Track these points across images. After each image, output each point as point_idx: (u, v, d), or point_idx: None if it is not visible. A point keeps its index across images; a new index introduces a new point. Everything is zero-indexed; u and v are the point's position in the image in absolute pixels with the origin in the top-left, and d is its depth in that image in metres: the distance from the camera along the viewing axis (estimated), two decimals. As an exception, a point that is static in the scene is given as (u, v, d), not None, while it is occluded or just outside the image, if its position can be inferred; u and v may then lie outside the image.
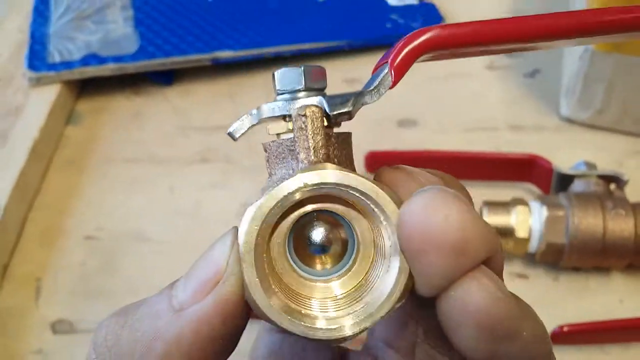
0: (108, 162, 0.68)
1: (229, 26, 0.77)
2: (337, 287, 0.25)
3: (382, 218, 0.23)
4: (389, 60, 0.24)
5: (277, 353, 0.31)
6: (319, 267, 0.26)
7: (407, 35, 0.24)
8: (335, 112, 0.25)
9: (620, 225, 0.50)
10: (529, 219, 0.53)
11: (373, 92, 0.25)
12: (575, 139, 0.66)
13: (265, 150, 0.27)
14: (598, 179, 0.54)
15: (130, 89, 0.76)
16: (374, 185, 0.23)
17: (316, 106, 0.25)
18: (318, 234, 0.25)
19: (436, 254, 0.21)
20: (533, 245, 0.53)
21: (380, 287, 0.24)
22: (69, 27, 0.77)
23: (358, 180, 0.23)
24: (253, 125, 0.27)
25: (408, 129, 0.69)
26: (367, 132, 0.67)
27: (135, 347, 0.22)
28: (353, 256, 0.25)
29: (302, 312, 0.24)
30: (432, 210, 0.21)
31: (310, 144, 0.24)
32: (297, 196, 0.23)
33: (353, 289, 0.25)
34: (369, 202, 0.23)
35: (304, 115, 0.24)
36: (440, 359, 0.26)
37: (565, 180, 0.56)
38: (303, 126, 0.24)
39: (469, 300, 0.21)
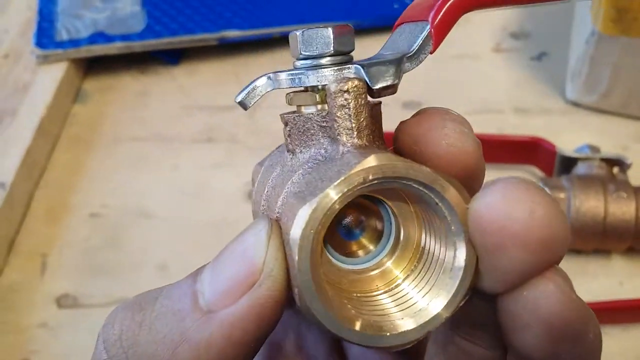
0: (114, 140, 0.69)
1: (236, 5, 0.77)
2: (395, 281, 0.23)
3: (443, 208, 0.20)
4: (430, 19, 0.21)
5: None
6: (361, 252, 0.23)
7: None
8: (379, 86, 0.21)
9: (622, 208, 0.50)
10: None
11: (413, 59, 0.22)
12: (581, 123, 0.66)
13: (286, 124, 0.23)
14: (601, 162, 0.54)
15: (137, 68, 0.76)
16: (439, 177, 0.20)
17: (359, 79, 0.21)
18: (349, 216, 0.23)
19: (517, 250, 0.19)
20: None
21: (441, 285, 0.21)
22: (77, 5, 0.77)
23: (424, 173, 0.20)
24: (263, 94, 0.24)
25: (413, 111, 0.68)
26: (372, 113, 0.67)
27: (157, 351, 0.20)
28: (393, 234, 0.23)
29: (375, 319, 0.21)
30: (515, 203, 0.19)
31: (354, 125, 0.21)
32: (354, 193, 0.19)
33: (412, 280, 0.22)
34: (430, 195, 0.20)
35: (346, 91, 0.21)
36: (473, 349, 0.25)
37: (568, 163, 0.56)
38: (345, 103, 0.21)
39: (543, 302, 0.19)
